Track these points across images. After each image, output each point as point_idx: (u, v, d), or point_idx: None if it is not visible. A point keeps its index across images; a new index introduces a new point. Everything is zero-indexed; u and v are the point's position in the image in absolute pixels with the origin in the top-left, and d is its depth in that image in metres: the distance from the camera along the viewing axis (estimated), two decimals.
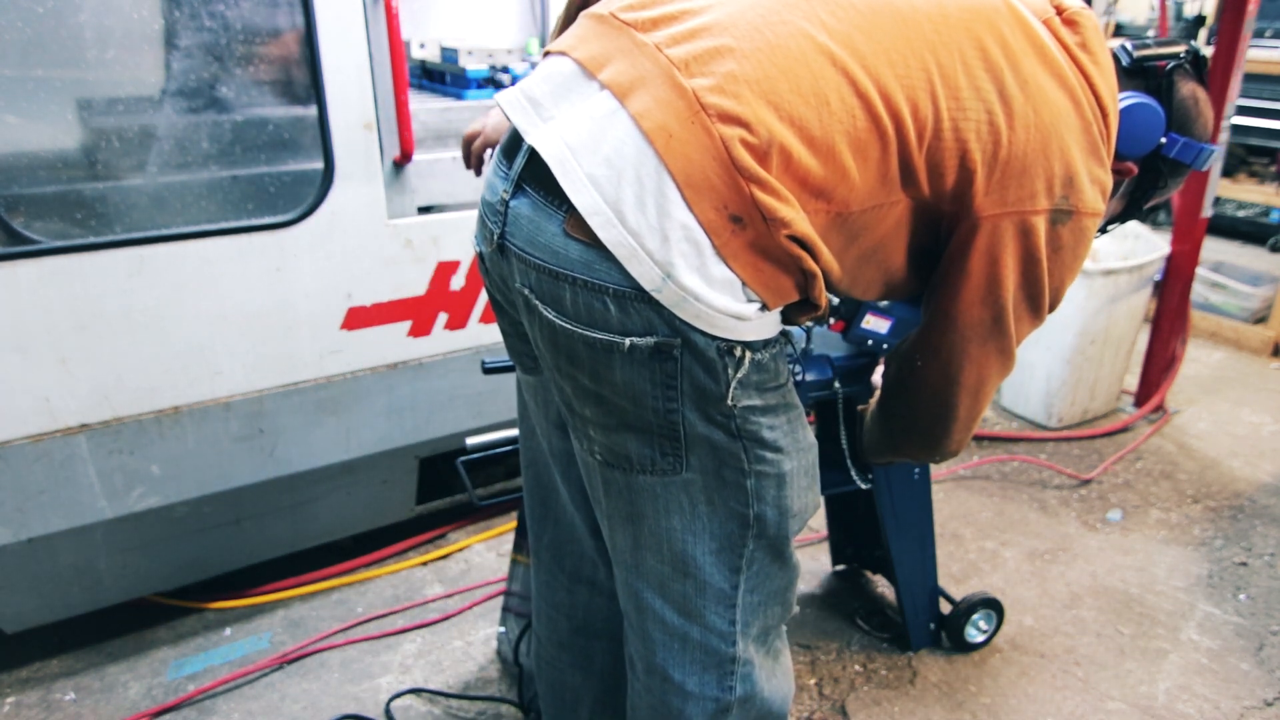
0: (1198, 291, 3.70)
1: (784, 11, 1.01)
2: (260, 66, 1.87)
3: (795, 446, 1.14)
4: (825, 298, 1.08)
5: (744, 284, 1.00)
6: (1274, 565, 2.46)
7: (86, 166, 1.78)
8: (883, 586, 2.34)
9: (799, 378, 1.74)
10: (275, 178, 1.96)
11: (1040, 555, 2.51)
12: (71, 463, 1.82)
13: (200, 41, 1.81)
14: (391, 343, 2.15)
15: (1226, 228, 5.10)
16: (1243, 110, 4.24)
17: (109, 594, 2.07)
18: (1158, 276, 3.17)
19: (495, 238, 1.09)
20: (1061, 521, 2.67)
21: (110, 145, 1.79)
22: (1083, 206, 1.10)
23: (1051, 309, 1.19)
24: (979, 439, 3.14)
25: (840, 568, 2.41)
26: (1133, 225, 3.22)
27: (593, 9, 1.11)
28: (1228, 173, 4.16)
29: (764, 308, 1.03)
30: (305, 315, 2.00)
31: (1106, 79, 1.13)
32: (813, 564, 2.46)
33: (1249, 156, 4.39)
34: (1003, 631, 2.17)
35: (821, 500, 1.25)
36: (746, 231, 0.97)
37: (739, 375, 1.04)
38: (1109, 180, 1.15)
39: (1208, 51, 3.03)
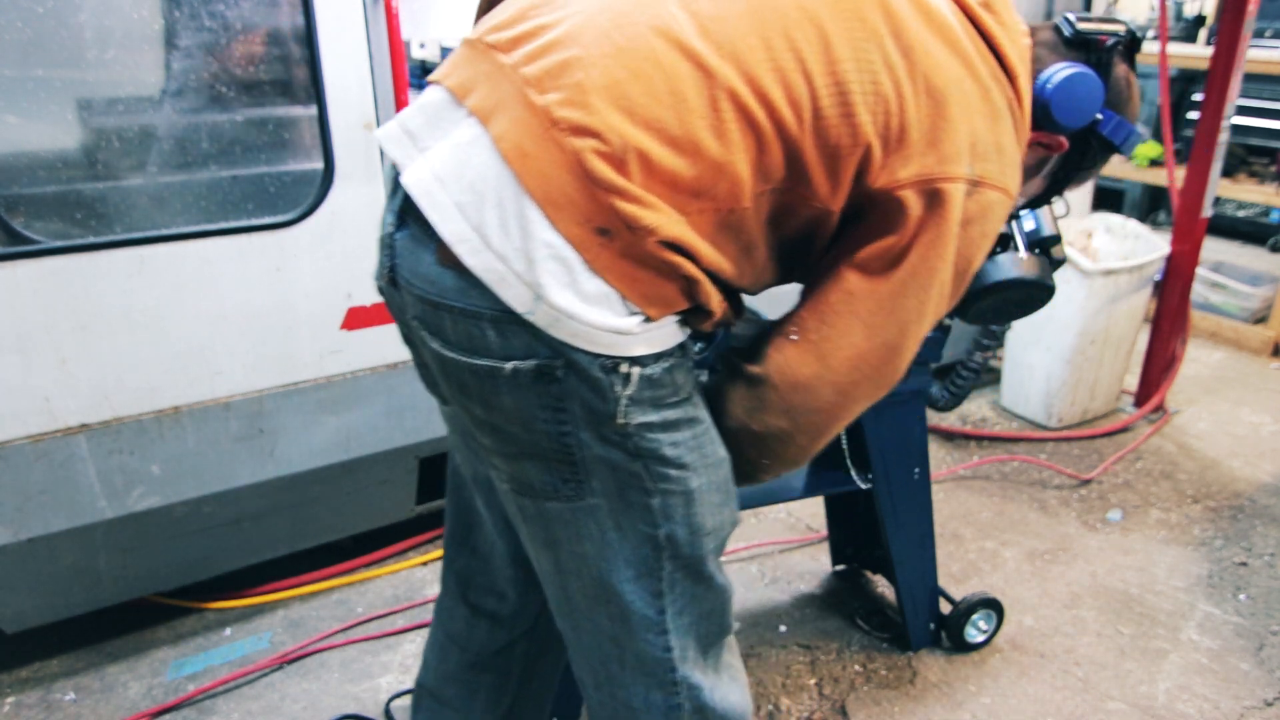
0: (1198, 291, 3.70)
1: (634, 12, 0.97)
2: (260, 66, 1.87)
3: (702, 462, 1.09)
4: (720, 302, 1.04)
5: (622, 296, 0.97)
6: (1274, 565, 2.46)
7: (86, 166, 1.78)
8: (883, 586, 2.34)
9: None
10: (275, 178, 1.96)
11: (1040, 555, 2.51)
12: (71, 463, 1.82)
13: (200, 41, 1.81)
14: (391, 343, 2.14)
15: (1226, 228, 5.10)
16: (1243, 110, 4.24)
17: (109, 594, 2.07)
18: (1158, 276, 3.17)
19: (387, 271, 1.08)
20: (1061, 521, 2.67)
21: (110, 145, 1.79)
22: (988, 178, 1.04)
23: (955, 297, 1.11)
24: (979, 439, 3.14)
25: (840, 568, 2.41)
26: (1133, 225, 3.22)
27: (467, 33, 1.09)
28: (1228, 173, 4.15)
29: (647, 319, 0.99)
30: (305, 315, 2.00)
31: (1014, 40, 1.08)
32: (813, 564, 2.46)
33: (1249, 156, 4.39)
34: (1003, 631, 2.17)
35: (740, 517, 1.20)
36: (615, 243, 0.94)
37: (628, 392, 1.00)
38: (1016, 150, 1.09)
39: (1207, 51, 3.03)
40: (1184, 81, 4.84)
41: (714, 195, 0.98)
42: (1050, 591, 2.35)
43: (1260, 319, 3.97)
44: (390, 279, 1.08)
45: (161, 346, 1.86)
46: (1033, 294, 1.65)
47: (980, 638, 2.13)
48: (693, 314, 1.05)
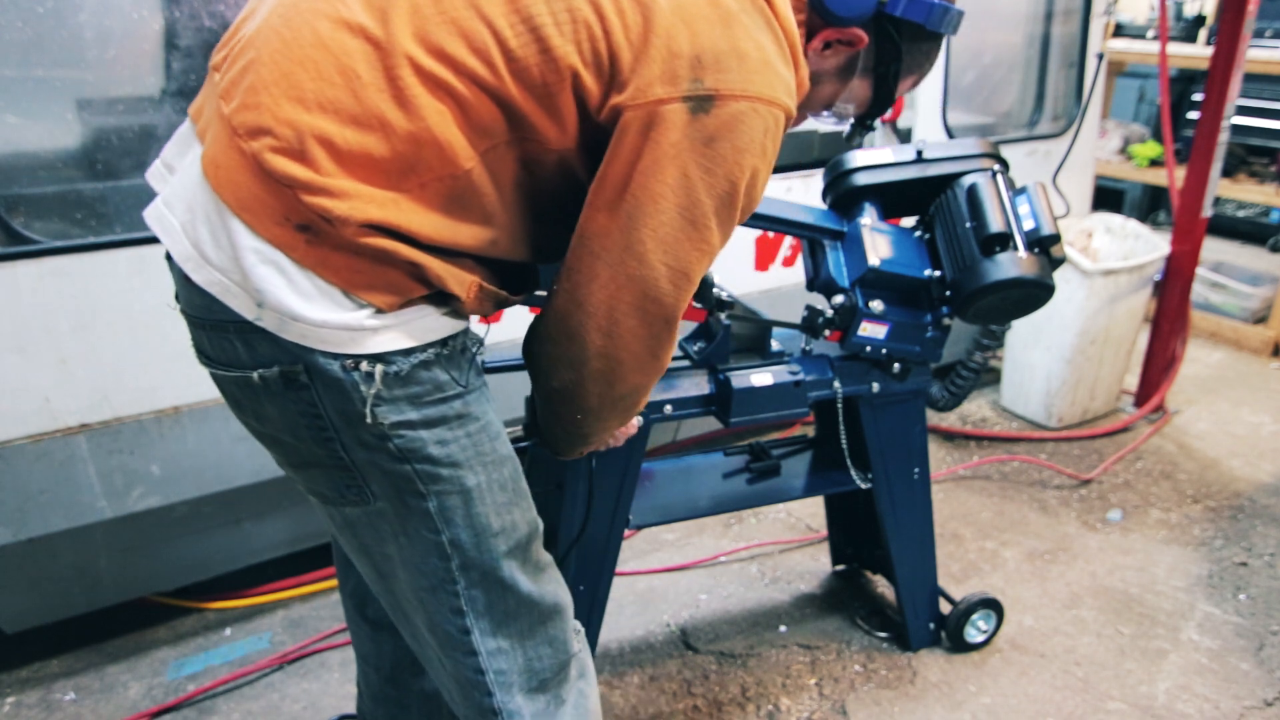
0: (1198, 291, 3.70)
1: (301, 2, 0.95)
2: None
3: (479, 459, 1.05)
4: (468, 283, 0.99)
5: (343, 290, 0.94)
6: (1274, 565, 2.46)
7: (86, 166, 1.78)
8: (883, 586, 2.34)
9: (798, 378, 1.74)
10: None
11: (1040, 555, 2.51)
12: (71, 463, 1.82)
13: (201, 42, 1.81)
14: None
15: (1226, 228, 5.10)
16: (1243, 110, 4.24)
17: (109, 594, 2.07)
18: (1158, 276, 3.16)
19: (175, 295, 1.09)
20: (1061, 521, 2.67)
21: (110, 145, 1.79)
22: (725, 88, 0.95)
23: (730, 220, 1.03)
24: (979, 439, 3.14)
25: (840, 568, 2.41)
26: (1133, 225, 3.21)
27: None
28: (1228, 173, 4.15)
29: (380, 311, 0.95)
30: None
31: None
32: (813, 564, 2.46)
33: (1249, 156, 4.38)
34: (1003, 631, 2.17)
35: (540, 522, 1.16)
36: (320, 237, 0.92)
37: (374, 391, 0.96)
38: (776, 51, 1.00)
39: (1207, 51, 3.03)
40: (1184, 81, 4.84)
41: (427, 166, 0.93)
42: (1050, 591, 2.35)
43: (1260, 319, 3.96)
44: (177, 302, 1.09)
45: (161, 346, 1.86)
46: (1032, 293, 1.65)
47: (980, 638, 2.13)
48: (440, 299, 1.00)
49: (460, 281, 0.99)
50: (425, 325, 1.00)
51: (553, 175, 1.02)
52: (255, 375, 0.98)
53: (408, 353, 0.98)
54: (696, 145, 0.95)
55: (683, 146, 0.95)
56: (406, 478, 1.02)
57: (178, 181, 1.01)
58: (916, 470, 1.96)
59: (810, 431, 2.19)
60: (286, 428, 1.02)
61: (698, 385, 1.71)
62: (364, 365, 0.96)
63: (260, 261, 0.92)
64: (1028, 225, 1.66)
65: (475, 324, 1.11)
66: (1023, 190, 1.71)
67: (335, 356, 0.96)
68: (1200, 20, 4.56)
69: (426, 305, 1.00)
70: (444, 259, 0.97)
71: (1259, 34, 4.13)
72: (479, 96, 0.93)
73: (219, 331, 0.99)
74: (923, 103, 2.79)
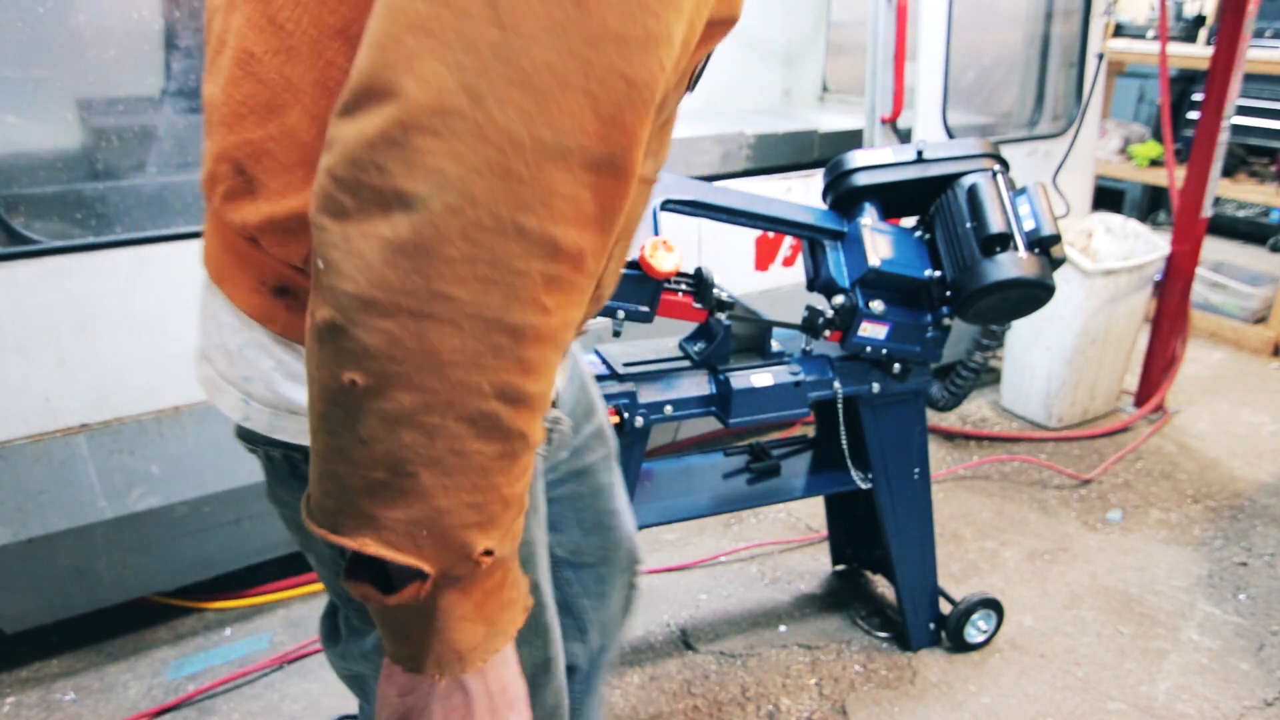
0: (1198, 291, 3.69)
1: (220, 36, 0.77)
2: None
3: None
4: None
5: None
6: (1274, 565, 2.46)
7: (86, 166, 1.78)
8: (883, 586, 2.34)
9: (798, 378, 1.74)
10: None
11: (1040, 555, 2.51)
12: (71, 463, 1.82)
13: (200, 41, 1.81)
14: None
15: (1226, 228, 5.10)
16: (1243, 110, 4.24)
17: (109, 594, 2.07)
18: (1158, 276, 3.16)
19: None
20: (1061, 521, 2.67)
21: (110, 145, 1.78)
22: None
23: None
24: (979, 439, 3.14)
25: (840, 568, 2.41)
26: (1133, 225, 3.21)
27: None
28: (1228, 173, 4.15)
29: None
30: None
31: None
32: (813, 564, 2.46)
33: (1249, 156, 4.38)
34: (1003, 631, 2.17)
35: (556, 659, 1.02)
36: (299, 300, 0.76)
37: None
38: None
39: (1208, 51, 3.03)
40: (1184, 81, 4.84)
41: (287, 111, 0.72)
42: (1050, 591, 2.35)
43: (1260, 319, 3.96)
44: None
45: (161, 346, 1.86)
46: (1032, 293, 1.65)
47: (980, 638, 2.13)
48: None
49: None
50: None
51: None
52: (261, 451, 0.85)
53: None
54: None
55: None
56: None
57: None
58: (916, 470, 1.96)
59: (810, 431, 2.19)
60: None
61: (698, 385, 1.71)
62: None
63: (244, 342, 0.78)
64: (1028, 225, 1.66)
65: None
66: (1023, 190, 1.71)
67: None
68: (1200, 20, 4.56)
69: None
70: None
71: (1259, 34, 4.13)
72: None
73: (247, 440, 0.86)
74: (923, 103, 2.79)
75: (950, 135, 2.87)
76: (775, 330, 1.83)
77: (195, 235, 1.84)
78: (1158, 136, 4.19)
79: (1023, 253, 1.63)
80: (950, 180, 1.75)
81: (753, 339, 1.81)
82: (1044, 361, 3.14)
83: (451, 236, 0.53)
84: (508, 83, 0.53)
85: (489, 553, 0.61)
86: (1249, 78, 3.17)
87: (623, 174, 0.58)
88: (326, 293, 0.55)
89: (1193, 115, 4.35)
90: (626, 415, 1.62)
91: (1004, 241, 1.64)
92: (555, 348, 0.60)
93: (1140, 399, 3.35)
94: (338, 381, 0.56)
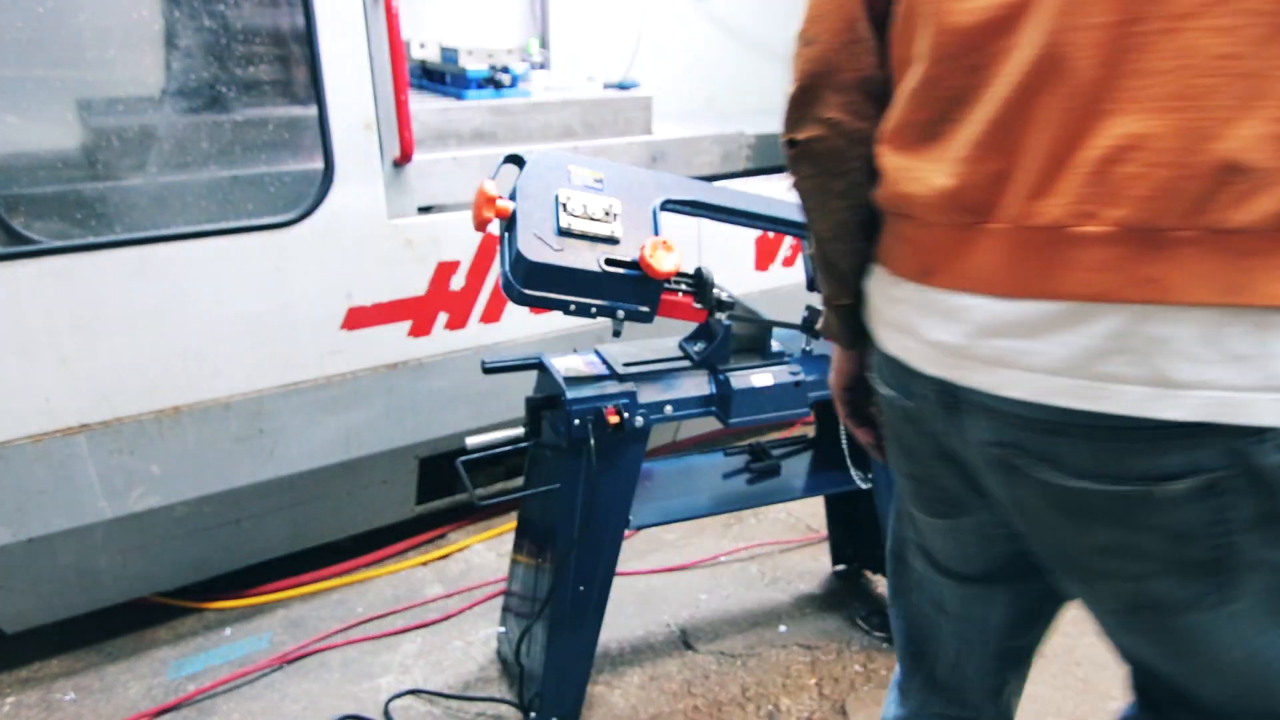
0: None
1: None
2: (260, 66, 1.87)
3: None
4: None
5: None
6: None
7: (86, 166, 1.78)
8: (882, 586, 2.34)
9: (798, 378, 1.74)
10: (275, 177, 1.96)
11: None
12: (71, 463, 1.82)
13: (200, 42, 1.81)
14: (392, 343, 2.15)
15: None
16: None
17: (109, 594, 2.07)
18: None
19: (939, 389, 0.89)
20: None
21: (110, 145, 1.79)
22: None
23: None
24: None
25: (840, 568, 2.41)
26: None
27: None
28: None
29: None
30: (305, 315, 2.00)
31: None
32: (813, 564, 2.46)
33: None
34: None
35: None
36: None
37: None
38: None
39: None
40: None
41: None
42: None
43: None
44: (946, 399, 0.89)
45: (161, 346, 1.86)
46: None
47: None
48: None
49: None
50: None
51: None
52: (1160, 491, 0.76)
53: None
54: None
55: None
56: None
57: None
58: None
59: (810, 431, 2.19)
60: (1165, 537, 0.80)
61: (698, 385, 1.71)
62: None
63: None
64: None
65: None
66: None
67: (1263, 435, 0.71)
68: None
69: None
70: None
71: None
72: None
73: (1103, 439, 0.77)
74: None
75: None
76: (775, 330, 1.83)
77: (195, 235, 1.84)
78: None
79: None
80: None
81: (753, 339, 1.81)
82: None
83: None
84: None
85: None
86: None
87: None
88: None
89: None
90: (626, 415, 1.62)
91: None
92: None
93: None
94: None
